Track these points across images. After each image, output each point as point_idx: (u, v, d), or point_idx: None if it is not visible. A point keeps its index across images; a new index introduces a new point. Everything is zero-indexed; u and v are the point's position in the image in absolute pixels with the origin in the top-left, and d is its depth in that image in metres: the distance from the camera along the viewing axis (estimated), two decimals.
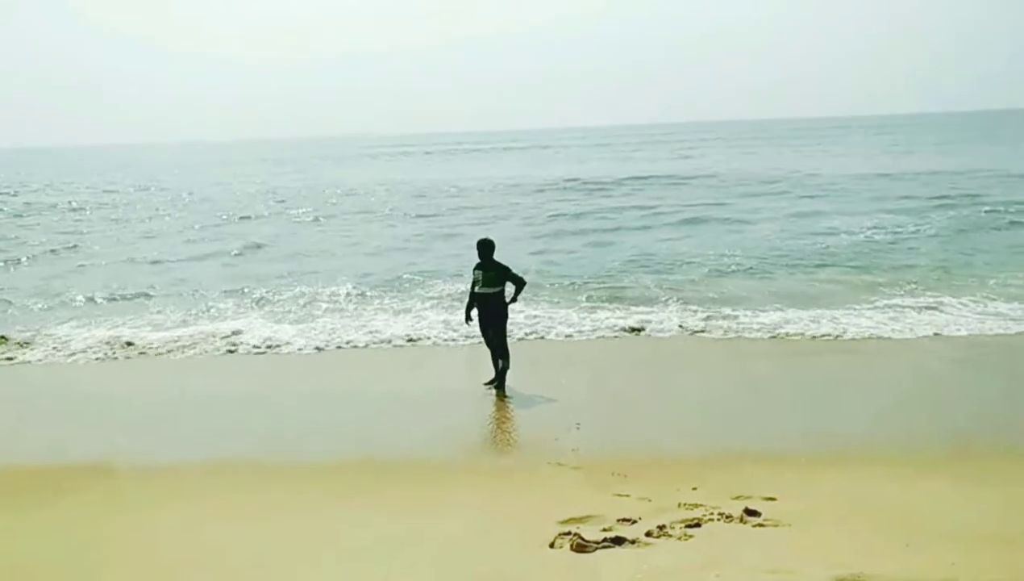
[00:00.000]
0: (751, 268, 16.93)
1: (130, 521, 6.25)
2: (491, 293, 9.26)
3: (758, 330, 11.74)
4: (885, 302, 13.14)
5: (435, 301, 14.50)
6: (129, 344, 12.15)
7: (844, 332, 11.47)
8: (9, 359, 11.78)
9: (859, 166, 45.98)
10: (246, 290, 16.14)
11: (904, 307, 12.73)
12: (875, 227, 22.06)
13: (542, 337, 11.93)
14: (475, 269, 9.38)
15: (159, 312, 14.46)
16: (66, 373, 11.18)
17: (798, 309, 12.79)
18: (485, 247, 9.27)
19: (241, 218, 31.50)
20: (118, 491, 7.02)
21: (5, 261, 21.55)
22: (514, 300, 9.48)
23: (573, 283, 15.66)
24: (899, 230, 21.51)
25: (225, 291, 16.22)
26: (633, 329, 12.08)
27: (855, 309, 12.78)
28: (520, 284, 9.33)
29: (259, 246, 23.05)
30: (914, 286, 14.33)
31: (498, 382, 9.37)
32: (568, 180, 42.98)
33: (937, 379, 9.63)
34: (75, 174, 73.57)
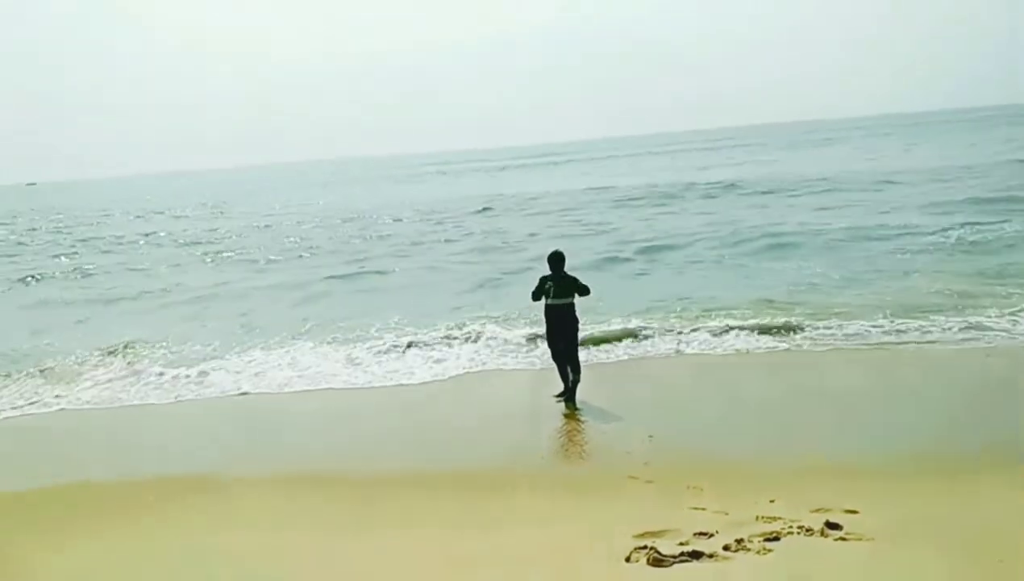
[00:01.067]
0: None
1: None
2: (562, 304, 9.31)
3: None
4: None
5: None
6: None
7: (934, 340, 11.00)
8: None
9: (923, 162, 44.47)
10: None
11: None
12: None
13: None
14: (545, 280, 9.42)
15: None
16: None
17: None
18: (556, 259, 9.32)
19: None
20: None
21: None
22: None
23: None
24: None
25: None
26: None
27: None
28: (584, 293, 9.33)
29: None
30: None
31: (568, 395, 9.38)
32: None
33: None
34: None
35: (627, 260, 20.63)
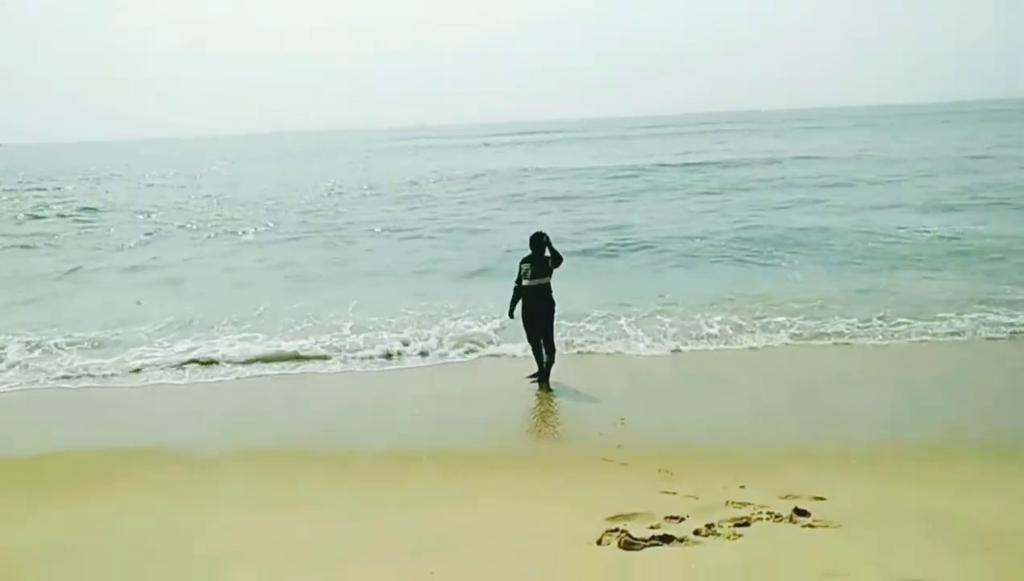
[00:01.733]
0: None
1: None
2: (538, 285, 9.29)
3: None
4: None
5: None
6: None
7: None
8: None
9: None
10: None
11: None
12: None
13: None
14: (522, 262, 9.43)
15: None
16: None
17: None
18: (537, 240, 9.31)
19: None
20: None
21: None
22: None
23: None
24: None
25: None
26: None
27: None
28: (558, 262, 9.27)
29: None
30: None
31: (542, 376, 9.41)
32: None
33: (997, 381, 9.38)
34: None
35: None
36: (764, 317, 11.87)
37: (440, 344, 11.15)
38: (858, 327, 11.31)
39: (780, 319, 11.71)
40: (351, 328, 12.13)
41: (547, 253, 9.27)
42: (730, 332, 11.29)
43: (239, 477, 7.14)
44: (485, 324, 11.83)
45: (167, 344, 11.74)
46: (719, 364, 10.29)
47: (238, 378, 10.37)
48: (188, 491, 6.84)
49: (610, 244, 19.81)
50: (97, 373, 10.64)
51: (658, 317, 12.12)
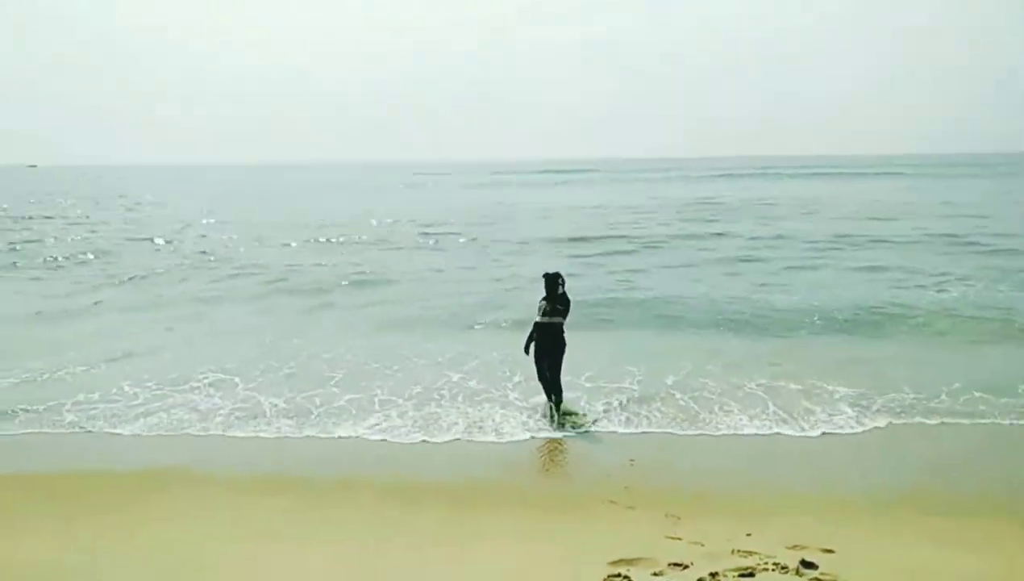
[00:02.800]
0: None
1: None
2: (548, 323, 9.33)
3: None
4: None
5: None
6: None
7: None
8: None
9: None
10: None
11: None
12: None
13: None
14: (540, 300, 9.56)
15: None
16: None
17: None
18: (548, 280, 9.39)
19: None
20: None
21: None
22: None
23: None
24: None
25: None
26: None
27: None
28: (566, 309, 9.40)
29: None
30: None
31: (554, 411, 9.39)
32: None
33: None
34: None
35: None
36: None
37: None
38: None
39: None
40: None
41: (560, 290, 9.34)
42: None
43: (252, 506, 7.16)
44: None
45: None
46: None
47: None
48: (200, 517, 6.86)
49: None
50: None
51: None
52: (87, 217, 43.93)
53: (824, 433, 8.89)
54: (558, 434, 8.96)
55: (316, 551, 6.01)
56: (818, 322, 14.40)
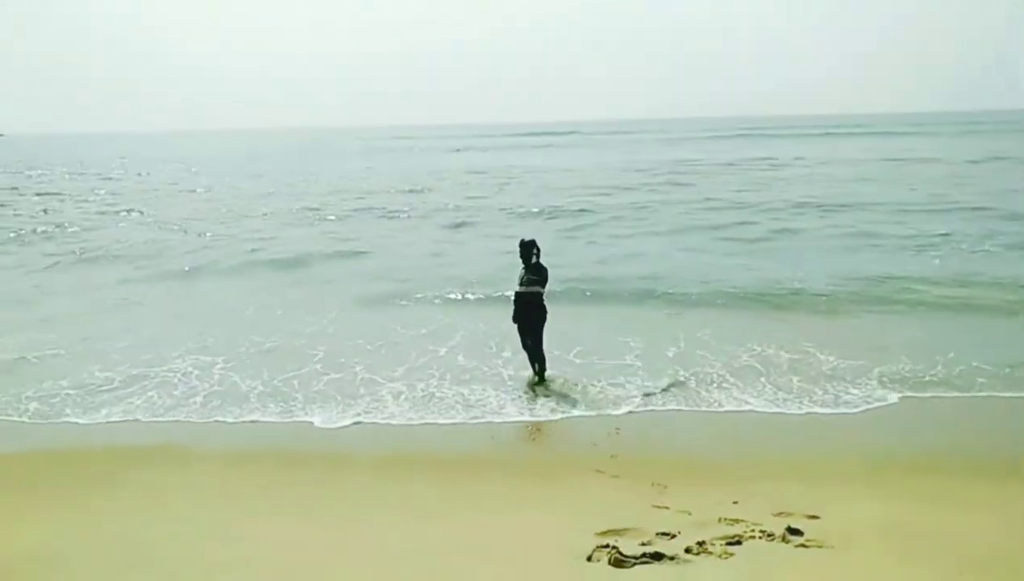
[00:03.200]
0: None
1: None
2: (526, 292, 9.31)
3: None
4: None
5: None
6: None
7: None
8: None
9: None
10: None
11: None
12: None
13: None
14: (521, 269, 9.49)
15: None
16: None
17: None
18: (523, 248, 9.31)
19: None
20: None
21: None
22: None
23: None
24: None
25: None
26: None
27: None
28: (543, 280, 9.30)
29: None
30: None
31: (538, 379, 9.46)
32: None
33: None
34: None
35: None
36: None
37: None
38: None
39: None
40: None
41: (534, 260, 9.22)
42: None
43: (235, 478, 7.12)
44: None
45: None
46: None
47: None
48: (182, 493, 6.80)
49: None
50: None
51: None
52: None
53: (809, 404, 8.90)
54: (545, 411, 8.82)
55: (308, 525, 5.98)
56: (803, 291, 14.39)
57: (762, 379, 9.54)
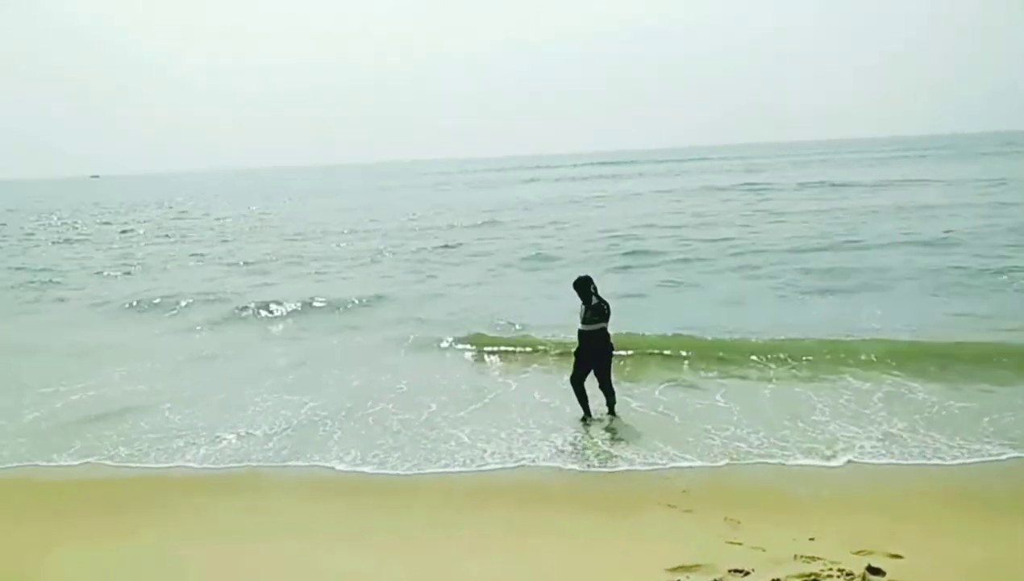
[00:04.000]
0: None
1: None
2: (591, 330, 9.22)
3: None
4: None
5: None
6: None
7: None
8: None
9: None
10: None
11: None
12: None
13: None
14: (581, 307, 9.35)
15: None
16: None
17: None
18: (581, 287, 9.24)
19: None
20: None
21: None
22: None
23: None
24: None
25: None
26: None
27: None
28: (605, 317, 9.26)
29: None
30: None
31: (609, 411, 9.45)
32: None
33: None
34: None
35: None
36: None
37: None
38: None
39: None
40: None
41: (594, 299, 9.17)
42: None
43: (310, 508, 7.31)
44: None
45: None
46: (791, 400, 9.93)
47: None
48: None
49: None
50: None
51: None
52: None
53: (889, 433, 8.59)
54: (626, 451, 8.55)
55: (382, 550, 6.10)
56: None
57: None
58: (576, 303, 9.42)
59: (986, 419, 8.79)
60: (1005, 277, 16.73)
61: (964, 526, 6.29)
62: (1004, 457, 7.82)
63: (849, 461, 7.87)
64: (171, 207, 64.79)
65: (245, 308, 17.69)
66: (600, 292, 9.30)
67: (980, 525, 6.32)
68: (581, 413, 9.42)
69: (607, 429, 9.12)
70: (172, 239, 36.63)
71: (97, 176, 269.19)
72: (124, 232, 41.26)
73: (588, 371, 9.38)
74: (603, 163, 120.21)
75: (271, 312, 17.25)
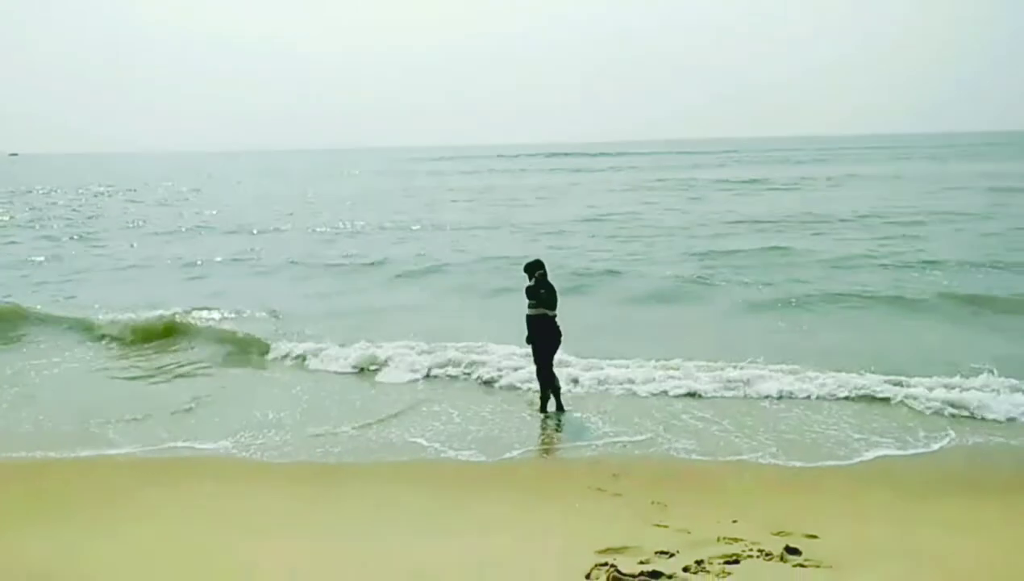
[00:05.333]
0: None
1: None
2: (527, 315, 9.10)
3: None
4: None
5: None
6: None
7: None
8: None
9: None
10: None
11: None
12: None
13: None
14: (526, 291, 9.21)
15: None
16: None
17: None
18: (528, 269, 9.13)
19: None
20: None
21: None
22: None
23: None
24: None
25: None
26: None
27: None
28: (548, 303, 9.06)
29: None
30: None
31: (557, 405, 9.31)
32: None
33: None
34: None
35: None
36: None
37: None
38: None
39: None
40: None
41: (531, 282, 8.99)
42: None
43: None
44: None
45: None
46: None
47: None
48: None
49: None
50: None
51: None
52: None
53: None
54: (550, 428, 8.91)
55: (315, 543, 6.05)
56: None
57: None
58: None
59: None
60: None
61: (876, 507, 6.59)
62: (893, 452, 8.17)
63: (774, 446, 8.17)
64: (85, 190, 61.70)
65: None
66: (549, 277, 9.16)
67: (893, 505, 6.64)
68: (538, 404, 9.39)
69: (549, 418, 9.24)
70: None
71: (16, 154, 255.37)
72: None
73: (535, 359, 9.19)
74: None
75: None
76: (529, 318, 9.12)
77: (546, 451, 8.48)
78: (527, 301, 9.11)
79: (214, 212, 38.39)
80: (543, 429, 9.00)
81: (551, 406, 9.29)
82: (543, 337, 9.07)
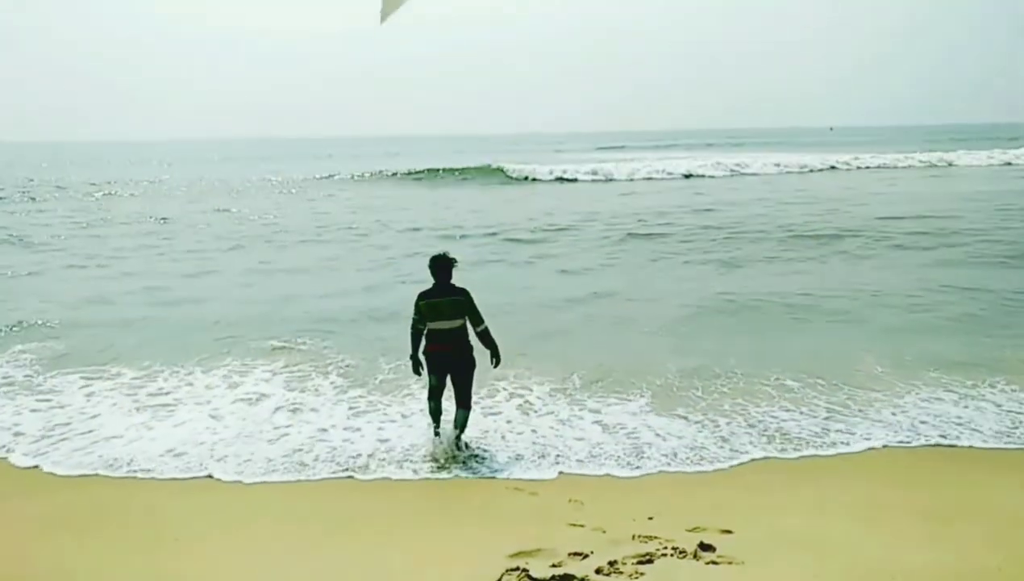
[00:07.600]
0: None
1: None
2: (450, 328, 7.40)
3: None
4: None
5: None
6: None
7: None
8: None
9: None
10: None
11: None
12: None
13: None
14: (420, 298, 7.42)
15: None
16: None
17: None
18: (438, 266, 7.39)
19: None
20: None
21: None
22: (495, 363, 7.67)
23: None
24: None
25: None
26: None
27: None
28: (490, 345, 7.52)
29: None
30: None
31: (459, 431, 7.66)
32: None
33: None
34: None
35: None
36: None
37: None
38: None
39: None
40: None
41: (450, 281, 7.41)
42: None
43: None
44: None
45: None
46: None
47: None
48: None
49: None
50: None
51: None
52: None
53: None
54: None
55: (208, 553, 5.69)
56: None
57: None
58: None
59: None
60: None
61: (793, 500, 6.57)
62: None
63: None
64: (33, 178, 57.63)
65: None
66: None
67: (808, 498, 6.61)
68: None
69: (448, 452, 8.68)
70: None
71: None
72: None
73: (442, 381, 7.72)
74: None
75: None
76: (441, 332, 7.47)
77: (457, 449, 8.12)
78: (435, 311, 7.46)
79: None
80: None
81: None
82: (469, 356, 7.67)
